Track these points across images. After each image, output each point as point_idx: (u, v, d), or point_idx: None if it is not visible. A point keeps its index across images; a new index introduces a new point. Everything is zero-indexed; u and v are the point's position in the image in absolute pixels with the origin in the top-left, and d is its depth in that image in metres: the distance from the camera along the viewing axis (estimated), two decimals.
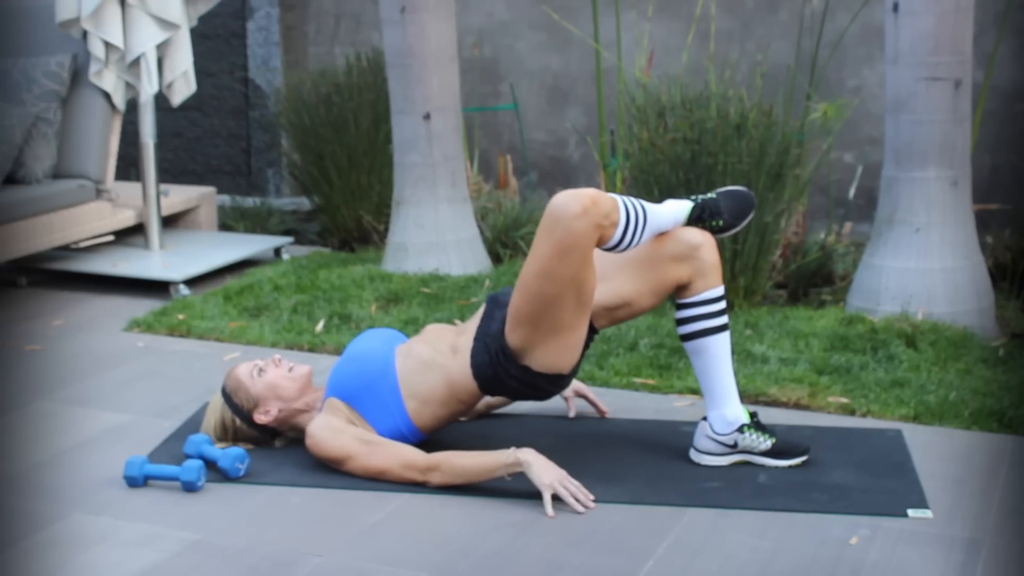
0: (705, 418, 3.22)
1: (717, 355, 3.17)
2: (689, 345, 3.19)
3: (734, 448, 3.20)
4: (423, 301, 4.59)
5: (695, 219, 3.15)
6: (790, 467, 3.20)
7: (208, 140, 6.87)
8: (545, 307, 2.96)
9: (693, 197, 3.17)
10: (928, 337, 4.05)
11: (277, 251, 5.48)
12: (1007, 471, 3.18)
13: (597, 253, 3.09)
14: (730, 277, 4.46)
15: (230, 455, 3.15)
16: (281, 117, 5.99)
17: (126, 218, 5.31)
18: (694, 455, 3.24)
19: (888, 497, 3.02)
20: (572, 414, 3.57)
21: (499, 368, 3.07)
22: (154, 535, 2.87)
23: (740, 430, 3.18)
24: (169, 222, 5.60)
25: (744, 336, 4.15)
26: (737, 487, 3.09)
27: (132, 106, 5.40)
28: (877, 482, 3.10)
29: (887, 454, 3.28)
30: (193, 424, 3.52)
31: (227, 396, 3.29)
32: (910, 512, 2.94)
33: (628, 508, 2.98)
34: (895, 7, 4.21)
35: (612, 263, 3.14)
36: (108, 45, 5.03)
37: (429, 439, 3.22)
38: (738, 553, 2.77)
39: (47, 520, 2.95)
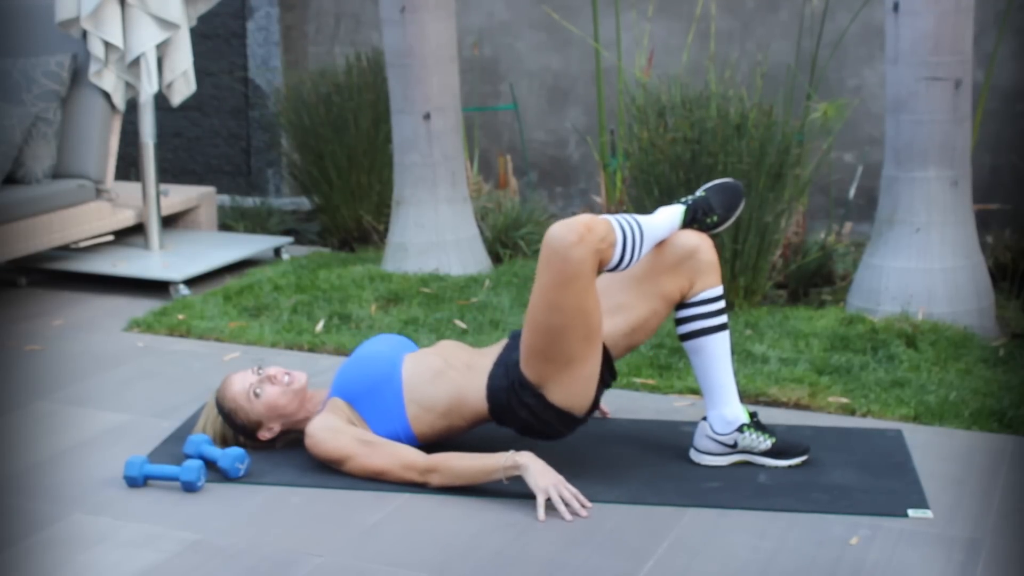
0: (705, 418, 3.22)
1: (716, 354, 3.17)
2: (688, 344, 3.19)
3: (734, 448, 3.20)
4: (423, 301, 4.59)
5: (690, 221, 3.15)
6: (790, 467, 3.20)
7: (208, 140, 6.87)
8: (555, 339, 2.97)
9: (683, 200, 3.18)
10: (928, 337, 4.05)
11: (277, 251, 5.48)
12: (1007, 471, 3.18)
13: (610, 286, 3.11)
14: (730, 277, 4.45)
15: (230, 455, 3.15)
16: (281, 117, 5.99)
17: (126, 218, 5.31)
18: (694, 455, 3.24)
19: (888, 497, 3.02)
20: None
21: (513, 396, 3.06)
22: (154, 535, 2.87)
23: (740, 430, 3.18)
24: (169, 222, 5.60)
25: (744, 336, 4.15)
26: (737, 487, 3.09)
27: (132, 106, 5.40)
28: (877, 482, 3.10)
29: (887, 454, 3.28)
30: (193, 424, 3.51)
31: (226, 416, 3.26)
32: (910, 512, 2.94)
33: (628, 508, 2.98)
34: (895, 7, 4.21)
35: (618, 290, 3.15)
36: (108, 45, 5.03)
37: (424, 447, 3.20)
38: (738, 553, 2.76)
39: (47, 520, 2.95)
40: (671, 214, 3.14)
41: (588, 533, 2.86)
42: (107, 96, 5.16)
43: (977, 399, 3.61)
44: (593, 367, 3.04)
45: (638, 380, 3.81)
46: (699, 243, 3.14)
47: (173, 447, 3.36)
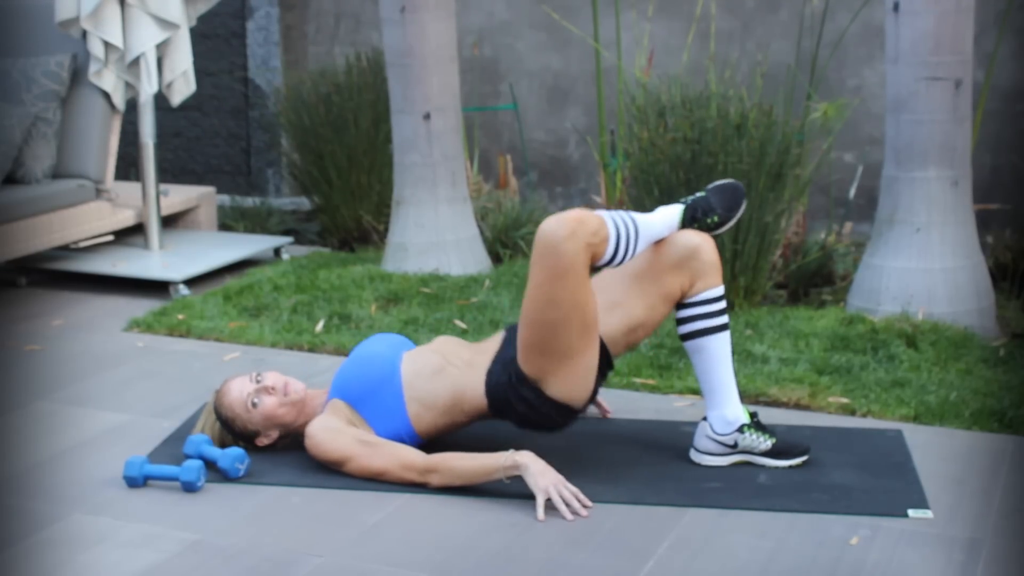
0: (705, 418, 3.22)
1: (717, 355, 3.17)
2: (689, 344, 3.19)
3: (734, 448, 3.20)
4: (423, 301, 4.59)
5: (689, 220, 3.15)
6: (790, 467, 3.19)
7: (208, 140, 6.87)
8: (551, 333, 2.97)
9: (683, 200, 3.18)
10: (928, 337, 4.05)
11: (277, 251, 5.47)
12: (1008, 471, 3.18)
13: (602, 283, 3.11)
14: (730, 277, 4.45)
15: (230, 455, 3.14)
16: (281, 117, 5.98)
17: (126, 218, 5.31)
18: (694, 455, 3.24)
19: (888, 497, 3.02)
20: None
21: (511, 391, 3.07)
22: (154, 535, 2.87)
23: (740, 430, 3.18)
24: (169, 222, 5.60)
25: (744, 336, 4.14)
26: (737, 487, 3.09)
27: (132, 106, 5.39)
28: (878, 482, 3.10)
29: (887, 454, 3.28)
30: (193, 424, 3.51)
31: (224, 423, 3.26)
32: (911, 512, 2.94)
33: (628, 508, 2.98)
34: (896, 7, 4.21)
35: (618, 287, 3.15)
36: (108, 45, 5.03)
37: (426, 444, 3.21)
38: (738, 553, 2.76)
39: (47, 520, 2.95)
40: (669, 213, 3.14)
41: (588, 533, 2.85)
42: (107, 96, 5.16)
43: (977, 399, 3.61)
44: (591, 360, 3.04)
45: (638, 380, 3.81)
46: (701, 243, 3.14)
47: (173, 447, 3.36)
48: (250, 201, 6.38)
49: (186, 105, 6.18)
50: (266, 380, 3.24)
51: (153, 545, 2.82)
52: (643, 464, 3.23)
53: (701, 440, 3.22)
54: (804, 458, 3.21)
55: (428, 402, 3.15)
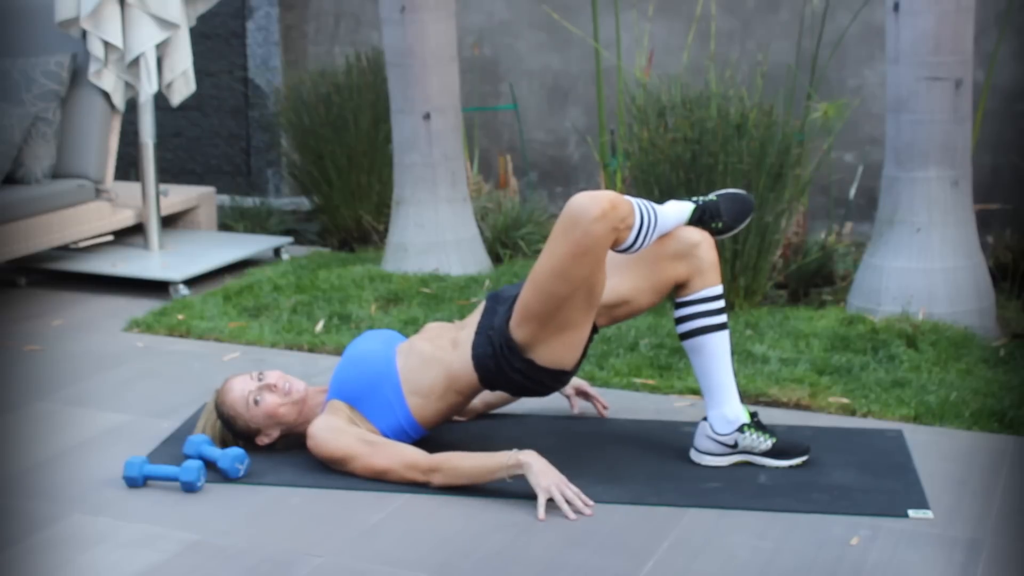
0: (705, 418, 3.22)
1: (716, 354, 3.17)
2: (688, 344, 3.19)
3: (734, 448, 3.20)
4: (423, 301, 4.59)
5: (695, 220, 3.17)
6: (791, 467, 3.19)
7: (208, 140, 6.87)
8: (556, 306, 2.98)
9: (694, 199, 3.19)
10: (929, 337, 4.05)
11: (277, 251, 5.47)
12: (1008, 471, 3.18)
13: None
14: (730, 277, 4.45)
15: (230, 455, 3.14)
16: (281, 117, 5.98)
17: (125, 218, 5.31)
18: (694, 455, 3.24)
19: (889, 497, 3.02)
20: (576, 410, 3.57)
21: (502, 360, 3.07)
22: (154, 535, 2.86)
23: (740, 430, 3.18)
24: (168, 222, 5.59)
25: (744, 336, 4.14)
26: (737, 487, 3.08)
27: (131, 106, 5.39)
28: (878, 482, 3.10)
29: (888, 454, 3.28)
30: (193, 424, 3.51)
31: (226, 422, 3.26)
32: (911, 513, 2.94)
33: (628, 508, 2.98)
34: (896, 7, 4.20)
35: (612, 262, 3.14)
36: (107, 45, 5.03)
37: (430, 435, 3.22)
38: (738, 554, 2.76)
39: (47, 520, 2.94)
40: (680, 209, 3.15)
41: (588, 533, 2.85)
42: (107, 96, 5.16)
43: (978, 399, 3.61)
44: (584, 333, 3.06)
45: (638, 380, 3.81)
46: (701, 239, 3.15)
47: (173, 447, 3.35)
48: (250, 201, 6.38)
49: (186, 105, 6.18)
50: (268, 378, 3.24)
51: (153, 545, 2.82)
52: (643, 464, 3.23)
53: (701, 440, 3.22)
54: (804, 458, 3.21)
55: (425, 392, 3.15)
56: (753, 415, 3.21)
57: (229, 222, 6.01)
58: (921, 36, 4.17)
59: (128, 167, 6.52)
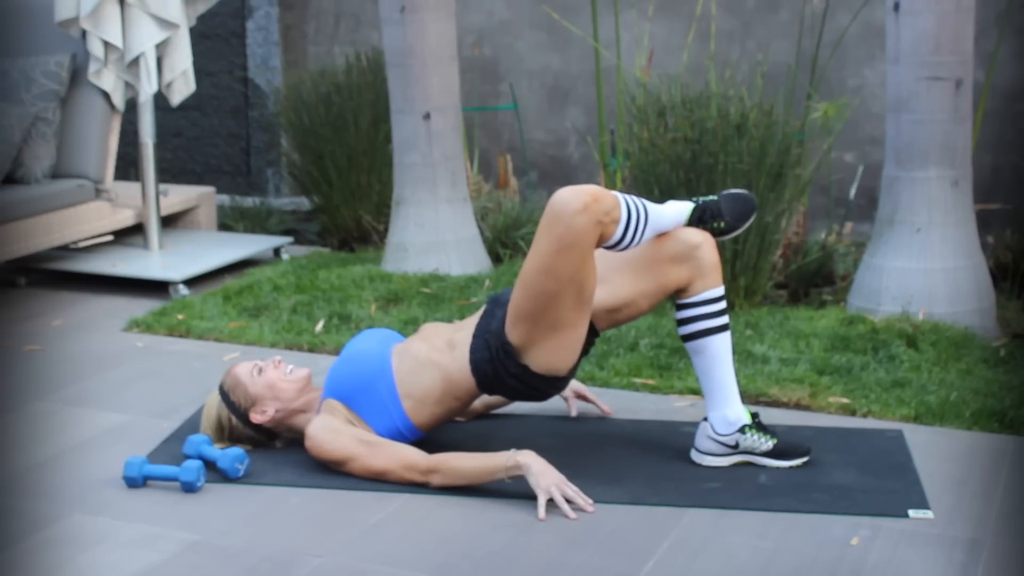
0: (706, 418, 3.21)
1: (718, 355, 3.16)
2: (690, 345, 3.19)
3: (735, 449, 3.20)
4: (423, 301, 4.58)
5: (696, 220, 3.15)
6: (791, 468, 3.19)
7: (207, 140, 6.87)
8: (545, 304, 2.96)
9: (695, 199, 3.17)
10: (929, 337, 4.05)
11: (276, 251, 5.47)
12: (1008, 471, 3.18)
13: (598, 256, 3.10)
14: (731, 277, 4.45)
15: (229, 456, 3.14)
16: (280, 117, 5.98)
17: (125, 218, 5.30)
18: (695, 456, 3.24)
19: (889, 497, 3.02)
20: (574, 413, 3.56)
21: (498, 365, 3.06)
22: (154, 536, 2.86)
23: (741, 431, 3.17)
24: (168, 222, 5.59)
25: (745, 336, 4.14)
26: (738, 488, 3.08)
27: (131, 106, 5.39)
28: (878, 483, 3.10)
29: (888, 454, 3.28)
30: (192, 424, 3.51)
31: (224, 393, 3.28)
32: (911, 513, 2.94)
33: (628, 508, 2.98)
34: (896, 7, 4.20)
35: (612, 265, 3.14)
36: (107, 44, 5.02)
37: (428, 437, 3.22)
38: (739, 554, 2.76)
39: (46, 520, 2.94)
40: (679, 208, 3.14)
41: (588, 533, 2.85)
42: (106, 96, 5.16)
43: (978, 399, 3.60)
44: (579, 334, 3.04)
45: (638, 380, 3.81)
46: (702, 241, 3.14)
47: (173, 447, 3.35)
48: (250, 201, 6.38)
49: (186, 105, 6.18)
50: (275, 359, 3.31)
51: (153, 545, 2.82)
52: (643, 464, 3.23)
53: (702, 440, 3.22)
54: (805, 459, 3.20)
55: (420, 396, 3.15)
56: (754, 416, 3.20)
57: (229, 222, 6.01)
58: (921, 36, 4.16)
59: (128, 167, 6.51)
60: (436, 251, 5.01)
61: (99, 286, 5.03)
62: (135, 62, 5.07)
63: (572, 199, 2.88)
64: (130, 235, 5.47)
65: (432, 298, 4.62)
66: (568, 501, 2.95)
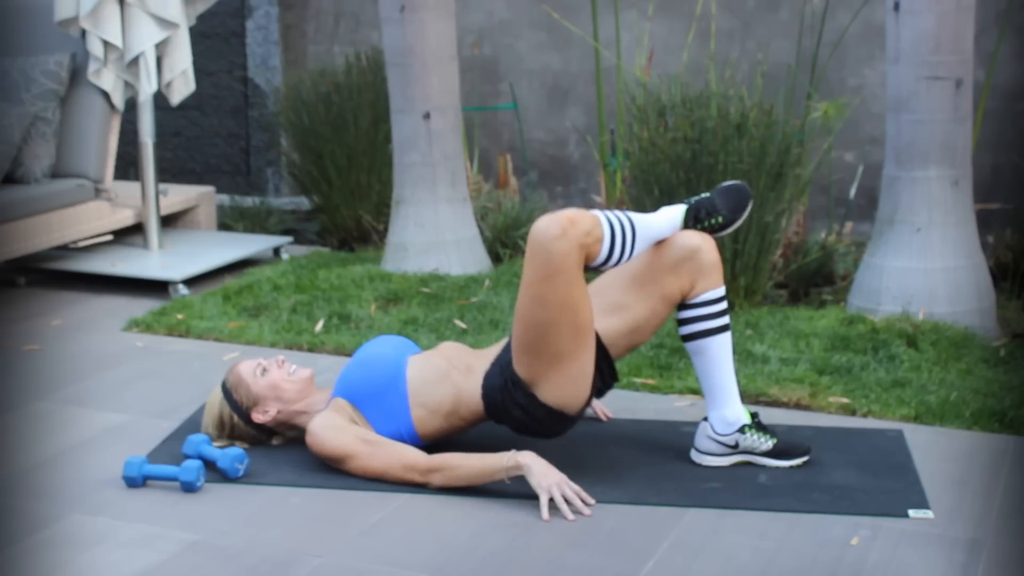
0: (706, 418, 3.21)
1: (718, 355, 3.16)
2: (690, 345, 3.18)
3: (735, 449, 3.19)
4: (423, 301, 4.58)
5: (692, 221, 3.14)
6: (791, 467, 3.19)
7: (207, 139, 6.86)
8: (543, 334, 2.97)
9: (687, 200, 3.17)
10: (929, 337, 4.05)
11: (276, 251, 5.47)
12: (1008, 471, 3.18)
13: (602, 285, 3.10)
14: (731, 277, 4.45)
15: (229, 455, 3.14)
16: (280, 116, 5.98)
17: (125, 218, 5.30)
18: (695, 455, 3.24)
19: (889, 497, 3.01)
20: None
21: (506, 394, 3.07)
22: (153, 536, 2.86)
23: (741, 430, 3.17)
24: (168, 222, 5.59)
25: (745, 336, 4.14)
26: (738, 488, 3.08)
27: (131, 105, 5.39)
28: (878, 482, 3.10)
29: (888, 454, 3.28)
30: (192, 424, 3.51)
31: (227, 392, 3.28)
32: (911, 512, 2.94)
33: (628, 508, 2.97)
34: (896, 6, 4.20)
35: (619, 289, 3.15)
36: (107, 44, 5.02)
37: (426, 447, 3.21)
38: (739, 554, 2.76)
39: (46, 520, 2.94)
40: (672, 213, 3.13)
41: (588, 533, 2.85)
42: (106, 95, 5.15)
43: (978, 399, 3.60)
44: (585, 364, 3.02)
45: (638, 380, 3.81)
46: (701, 243, 3.13)
47: (172, 447, 3.35)
48: (249, 201, 6.38)
49: (185, 104, 6.18)
50: (279, 358, 3.31)
51: (153, 545, 2.81)
52: (643, 464, 3.23)
53: (702, 440, 3.22)
54: (805, 459, 3.20)
55: (432, 407, 3.15)
56: (754, 416, 3.20)
57: (229, 222, 6.00)
58: (921, 35, 4.16)
59: (128, 167, 6.51)
60: (436, 251, 5.01)
61: (99, 286, 5.03)
62: (135, 62, 5.07)
63: (549, 227, 2.90)
64: (130, 235, 5.47)
65: (432, 298, 4.62)
66: (568, 502, 2.94)
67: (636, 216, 3.05)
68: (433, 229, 5.03)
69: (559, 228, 2.89)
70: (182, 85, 5.20)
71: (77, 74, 5.14)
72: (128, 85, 5.16)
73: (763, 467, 3.19)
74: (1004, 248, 4.97)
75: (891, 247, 4.31)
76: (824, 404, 3.62)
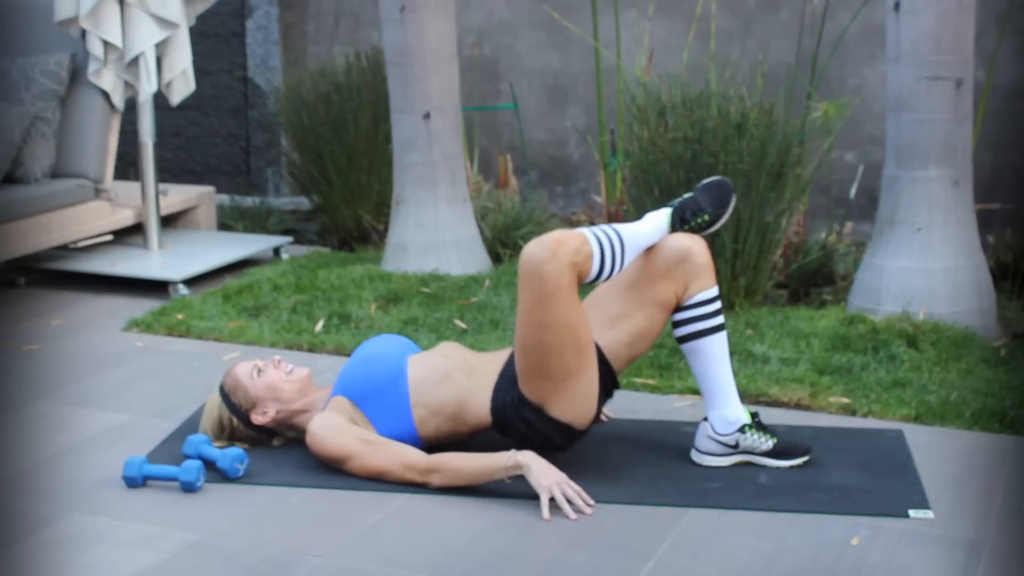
0: (706, 418, 3.21)
1: (714, 355, 3.16)
2: (686, 347, 3.18)
3: (735, 448, 3.19)
4: (423, 301, 4.58)
5: (679, 223, 3.14)
6: (791, 467, 3.19)
7: (207, 139, 6.86)
8: (546, 356, 2.98)
9: (670, 203, 3.17)
10: (929, 337, 4.04)
11: (276, 251, 5.47)
12: (1009, 471, 3.18)
13: (598, 298, 3.12)
14: (731, 277, 4.45)
15: (229, 455, 3.14)
16: (280, 116, 5.98)
17: (125, 218, 5.30)
18: (695, 455, 3.24)
19: (889, 497, 3.01)
20: None
21: (515, 411, 3.07)
22: (153, 536, 2.86)
23: (741, 430, 3.17)
24: (168, 222, 5.59)
25: (745, 336, 4.14)
26: (738, 487, 3.08)
27: (131, 105, 5.39)
28: (878, 482, 3.10)
29: (888, 454, 3.28)
30: (192, 424, 3.51)
31: (225, 395, 3.28)
32: (911, 513, 2.94)
33: (628, 509, 2.97)
34: (896, 6, 4.20)
35: (615, 300, 3.15)
36: (107, 44, 5.02)
37: (426, 448, 3.20)
38: (739, 554, 2.76)
39: (46, 520, 2.94)
40: (657, 219, 3.13)
41: (588, 533, 2.85)
42: (106, 95, 5.15)
43: (978, 399, 3.60)
44: (590, 379, 3.03)
45: (638, 380, 3.80)
46: (691, 246, 3.13)
47: (172, 447, 3.35)
48: (249, 201, 6.38)
49: (185, 104, 6.18)
50: (275, 358, 3.31)
51: (153, 545, 2.81)
52: (643, 464, 3.23)
53: (702, 440, 3.22)
54: (805, 458, 3.20)
55: (434, 407, 3.15)
56: (754, 415, 3.20)
57: (229, 222, 6.00)
58: (922, 35, 4.16)
59: (127, 167, 6.51)
60: (436, 251, 5.01)
61: (99, 286, 5.03)
62: (135, 61, 5.07)
63: (538, 251, 2.92)
64: (130, 235, 5.47)
65: (432, 298, 4.61)
66: (569, 501, 2.94)
67: (622, 227, 3.06)
68: (433, 229, 5.02)
69: (548, 251, 2.91)
70: (182, 85, 5.20)
71: (77, 74, 5.14)
72: (128, 85, 5.16)
73: (763, 467, 3.19)
74: (1004, 248, 4.97)
75: (891, 247, 4.31)
76: (824, 404, 3.62)
